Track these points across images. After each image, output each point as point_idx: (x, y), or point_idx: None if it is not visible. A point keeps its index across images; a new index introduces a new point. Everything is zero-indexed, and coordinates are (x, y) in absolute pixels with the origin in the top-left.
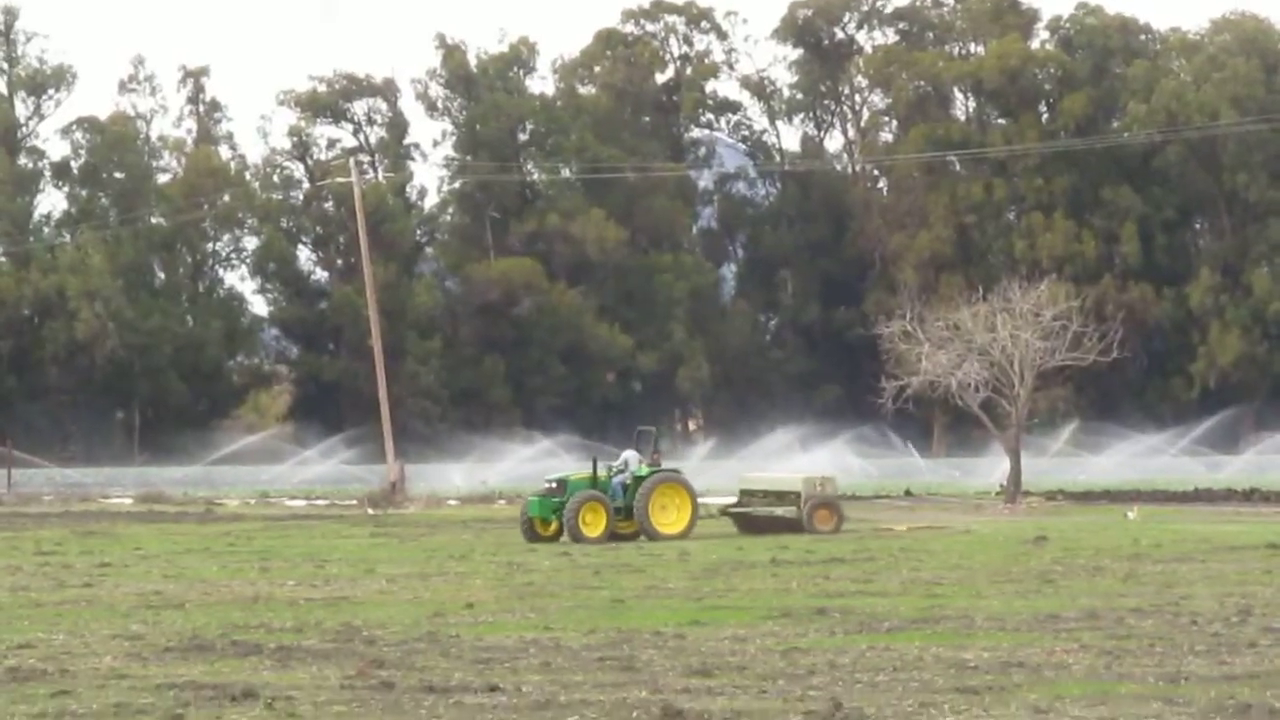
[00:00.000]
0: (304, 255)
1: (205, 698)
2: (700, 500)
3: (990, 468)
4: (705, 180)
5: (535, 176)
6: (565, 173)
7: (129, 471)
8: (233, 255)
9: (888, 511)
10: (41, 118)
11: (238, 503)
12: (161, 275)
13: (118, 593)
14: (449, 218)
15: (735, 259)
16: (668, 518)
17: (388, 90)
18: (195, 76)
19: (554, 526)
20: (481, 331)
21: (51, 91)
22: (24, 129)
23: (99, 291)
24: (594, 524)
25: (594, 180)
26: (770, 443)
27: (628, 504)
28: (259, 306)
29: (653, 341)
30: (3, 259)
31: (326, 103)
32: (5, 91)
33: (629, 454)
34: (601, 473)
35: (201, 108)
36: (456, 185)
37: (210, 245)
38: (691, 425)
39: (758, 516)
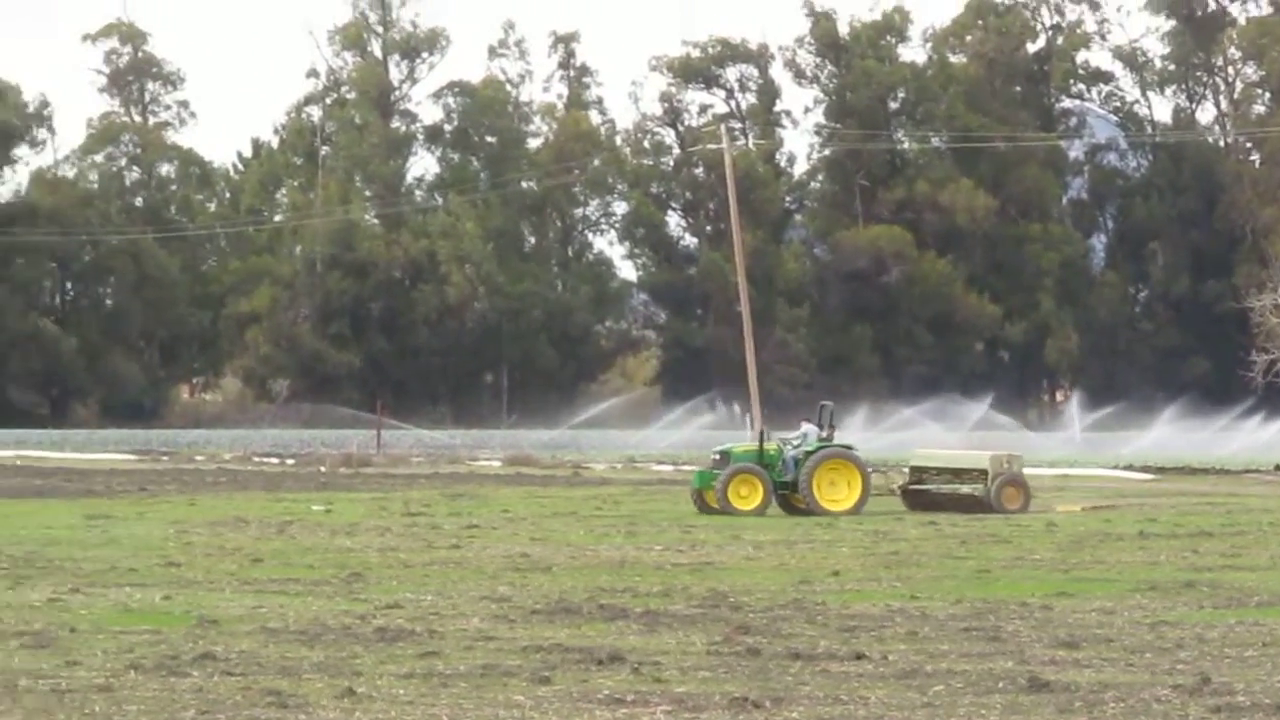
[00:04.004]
0: (673, 221)
1: (572, 660)
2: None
3: None
4: (1076, 150)
5: (905, 145)
6: (935, 141)
7: (497, 434)
8: (602, 220)
9: (1255, 486)
10: (414, 81)
11: (604, 466)
12: (531, 239)
13: (485, 554)
14: (818, 185)
15: (1105, 230)
16: (836, 494)
17: (760, 56)
18: (565, 41)
19: None
20: (849, 299)
21: (424, 55)
22: (397, 92)
23: (469, 255)
24: (749, 497)
25: (964, 149)
26: (1142, 415)
27: (798, 478)
28: (627, 271)
29: (1021, 311)
30: (375, 221)
31: (699, 68)
32: (380, 55)
33: (809, 428)
34: (772, 445)
35: (571, 72)
36: (826, 152)
37: (580, 210)
38: (1059, 396)
39: (940, 494)
